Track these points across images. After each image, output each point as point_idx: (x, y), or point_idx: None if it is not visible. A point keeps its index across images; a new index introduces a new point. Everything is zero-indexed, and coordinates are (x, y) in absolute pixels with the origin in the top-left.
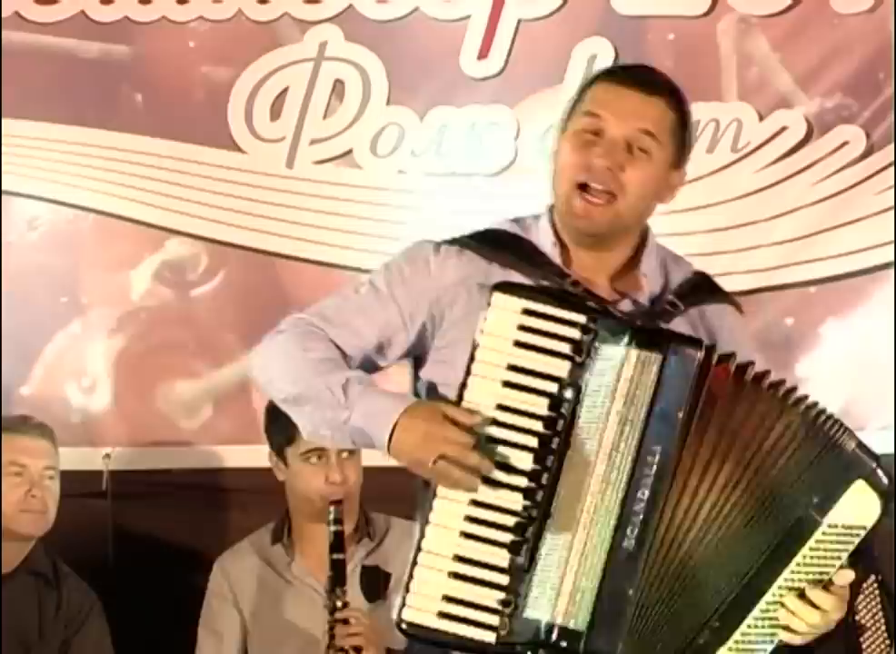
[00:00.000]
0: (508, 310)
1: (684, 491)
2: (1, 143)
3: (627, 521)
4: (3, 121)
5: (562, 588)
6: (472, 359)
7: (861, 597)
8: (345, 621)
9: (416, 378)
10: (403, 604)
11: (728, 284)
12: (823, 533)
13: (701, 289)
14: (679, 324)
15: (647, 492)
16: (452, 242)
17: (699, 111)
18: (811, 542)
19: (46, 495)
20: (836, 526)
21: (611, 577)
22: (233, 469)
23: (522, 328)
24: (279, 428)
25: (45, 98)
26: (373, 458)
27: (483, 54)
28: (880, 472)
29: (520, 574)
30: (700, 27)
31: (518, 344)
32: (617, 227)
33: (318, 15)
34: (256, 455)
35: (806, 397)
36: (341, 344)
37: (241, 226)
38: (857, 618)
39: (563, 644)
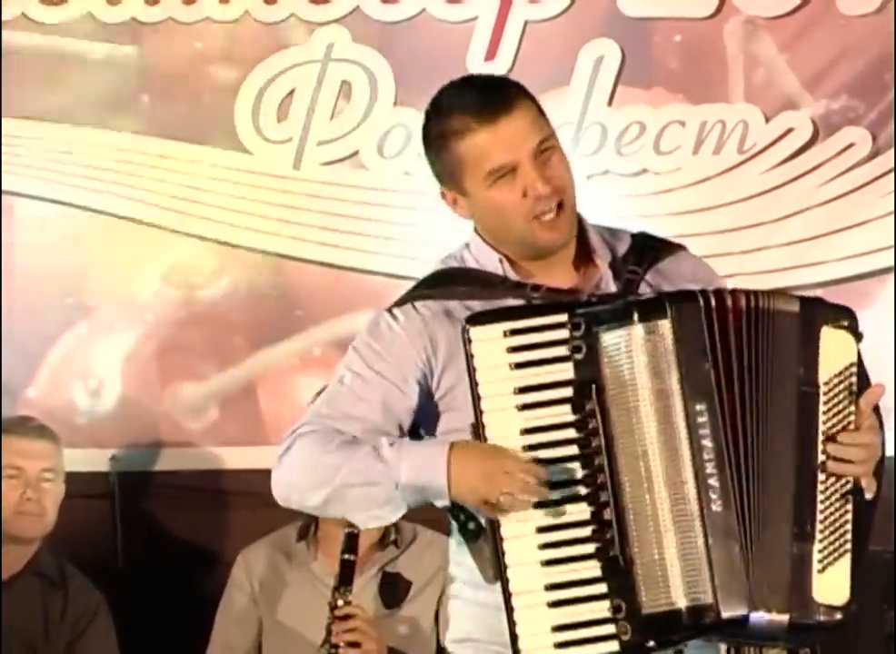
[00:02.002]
0: (490, 339)
1: (736, 434)
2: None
3: (705, 485)
4: (11, 122)
5: (671, 572)
6: (477, 398)
7: None
8: (345, 619)
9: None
10: (517, 652)
11: (734, 286)
12: (825, 394)
13: (647, 248)
14: (644, 290)
15: (711, 453)
16: (401, 302)
17: (705, 112)
18: (821, 408)
19: (44, 497)
20: (830, 381)
21: (715, 543)
22: (240, 470)
23: (512, 349)
24: None
25: (53, 99)
26: None
27: (490, 55)
28: (829, 309)
29: (621, 576)
30: (706, 29)
31: (516, 366)
32: (574, 219)
33: (325, 17)
34: (263, 457)
35: (756, 293)
36: (351, 433)
37: (248, 228)
38: None
39: (695, 622)
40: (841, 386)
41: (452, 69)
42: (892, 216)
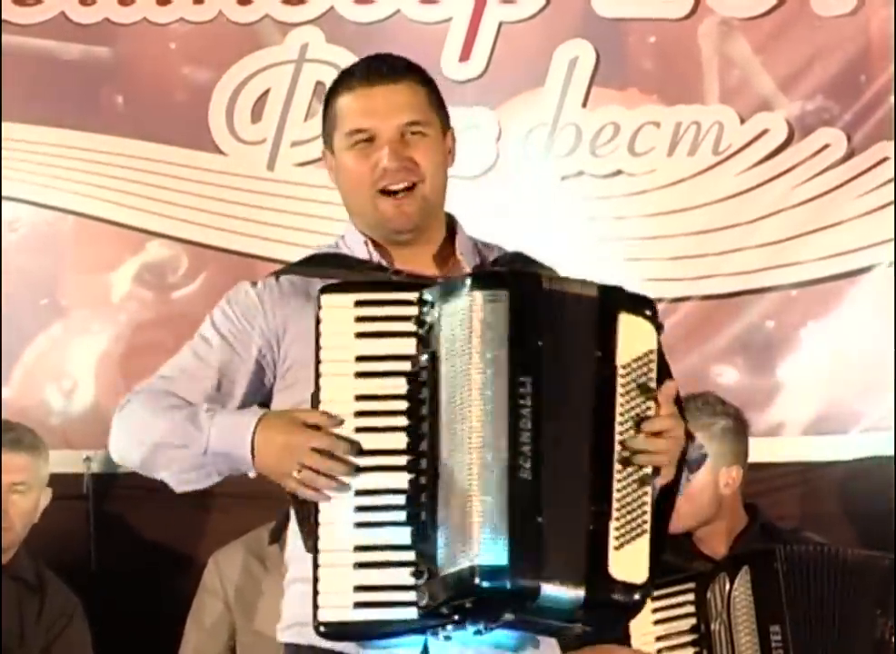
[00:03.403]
0: (340, 307)
1: (551, 412)
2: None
3: (518, 454)
4: None
5: (472, 534)
6: (318, 362)
7: None
8: None
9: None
10: (316, 608)
11: (709, 287)
12: (623, 376)
13: (518, 263)
14: None
15: (529, 422)
16: (268, 275)
17: (680, 114)
18: (619, 389)
19: (12, 511)
20: (629, 365)
21: (519, 510)
22: None
23: (360, 319)
24: None
25: (26, 100)
26: None
27: (465, 56)
28: (630, 297)
29: (425, 541)
30: (681, 30)
31: (360, 335)
32: (428, 210)
33: (299, 17)
34: None
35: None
36: (183, 394)
37: (222, 228)
38: (894, 640)
39: (487, 583)
40: (640, 371)
41: (426, 70)
42: (874, 216)
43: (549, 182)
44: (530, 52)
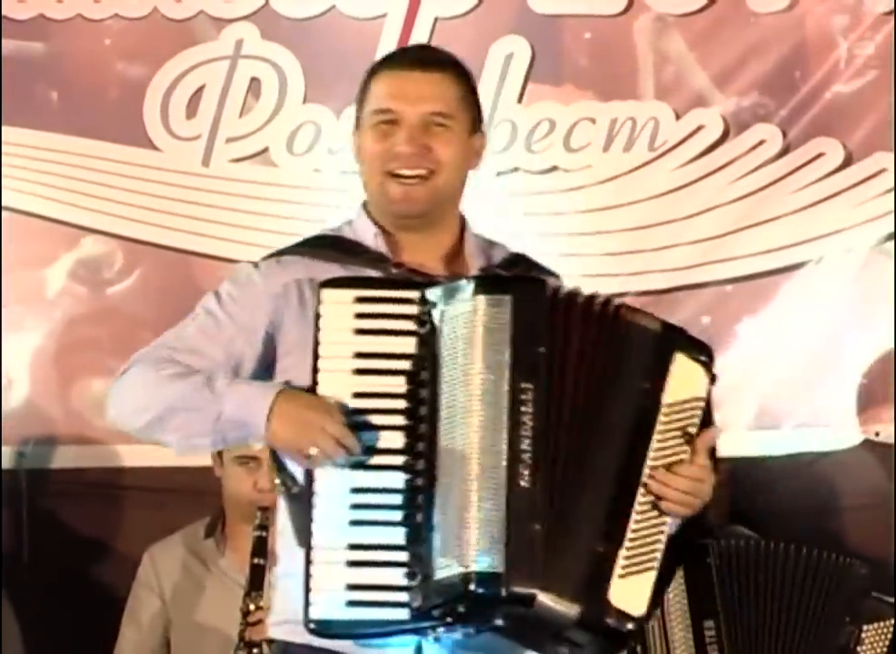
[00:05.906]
0: (340, 302)
1: (560, 421)
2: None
3: (518, 461)
4: None
5: (469, 540)
6: (315, 357)
7: (872, 632)
8: (258, 624)
9: None
10: (308, 605)
11: (645, 283)
12: (665, 415)
13: (522, 265)
14: None
15: (530, 431)
16: (270, 255)
17: (616, 110)
18: (658, 426)
19: None
20: (674, 405)
21: (516, 518)
22: (149, 468)
23: (359, 316)
24: None
25: None
26: None
27: None
28: (690, 340)
29: (419, 543)
30: (616, 26)
31: (359, 332)
32: (437, 202)
33: (234, 13)
34: (172, 454)
35: (622, 306)
36: (192, 367)
37: (156, 224)
38: (859, 649)
39: (482, 589)
40: (683, 414)
41: (361, 66)
42: (811, 211)
43: (484, 177)
44: (465, 48)
